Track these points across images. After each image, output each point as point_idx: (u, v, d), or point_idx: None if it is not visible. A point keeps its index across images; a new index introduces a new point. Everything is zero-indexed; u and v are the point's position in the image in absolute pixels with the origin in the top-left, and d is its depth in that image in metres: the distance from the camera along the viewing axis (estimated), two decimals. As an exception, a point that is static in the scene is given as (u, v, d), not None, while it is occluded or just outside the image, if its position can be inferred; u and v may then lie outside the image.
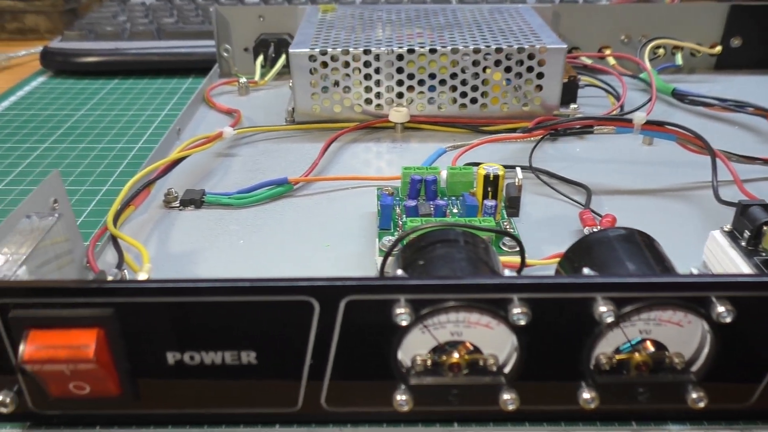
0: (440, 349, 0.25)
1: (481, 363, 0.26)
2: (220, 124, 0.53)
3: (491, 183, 0.35)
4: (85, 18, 0.75)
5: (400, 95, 0.51)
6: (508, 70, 0.50)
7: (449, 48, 0.49)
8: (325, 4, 0.61)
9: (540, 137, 0.44)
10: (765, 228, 0.32)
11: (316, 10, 0.60)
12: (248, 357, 0.25)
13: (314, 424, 0.27)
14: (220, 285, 0.23)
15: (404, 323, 0.23)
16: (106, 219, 0.36)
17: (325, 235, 0.38)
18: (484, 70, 0.50)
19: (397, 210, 0.37)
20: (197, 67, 0.67)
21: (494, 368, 0.25)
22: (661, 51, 0.62)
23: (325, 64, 0.50)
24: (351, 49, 0.49)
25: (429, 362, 0.25)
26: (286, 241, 0.38)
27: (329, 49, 0.49)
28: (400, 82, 0.50)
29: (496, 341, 0.25)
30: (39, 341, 0.23)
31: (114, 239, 0.34)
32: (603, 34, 0.63)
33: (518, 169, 0.35)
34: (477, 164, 0.44)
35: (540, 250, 0.36)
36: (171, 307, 0.23)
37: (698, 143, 0.42)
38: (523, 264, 0.29)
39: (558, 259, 0.33)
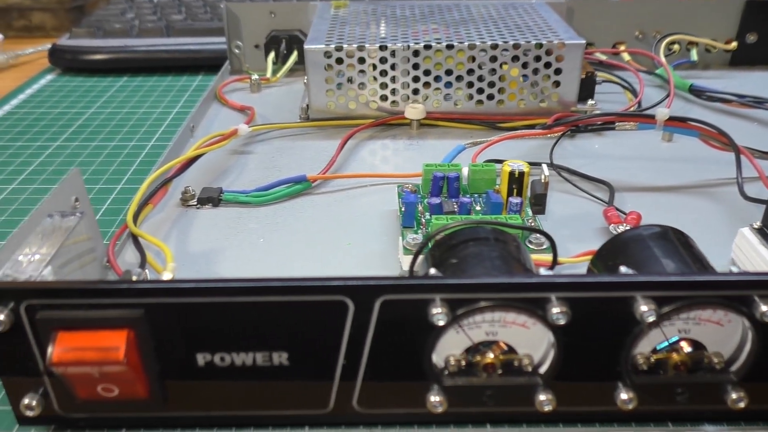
0: (474, 349, 0.25)
1: (516, 363, 0.25)
2: (233, 121, 0.53)
3: (516, 180, 0.35)
4: (93, 15, 0.74)
5: (415, 91, 0.50)
6: (525, 66, 0.49)
7: (466, 44, 0.48)
8: (337, 0, 0.61)
9: (560, 134, 0.44)
10: (797, 225, 0.31)
11: (328, 6, 0.60)
12: (280, 358, 0.24)
13: (344, 426, 0.26)
14: (254, 285, 0.23)
15: (441, 323, 0.23)
16: (126, 218, 0.35)
17: (345, 234, 0.38)
18: (501, 66, 0.49)
19: (419, 207, 0.37)
20: (207, 64, 0.67)
21: (529, 368, 0.25)
22: (676, 47, 0.61)
23: (340, 61, 0.49)
24: (366, 45, 0.49)
25: (463, 363, 0.25)
26: (306, 240, 0.37)
27: (344, 45, 0.49)
28: (415, 79, 0.50)
29: (531, 341, 0.25)
30: (68, 343, 0.23)
31: (135, 238, 0.33)
32: (617, 29, 0.62)
33: (544, 166, 0.34)
34: (497, 161, 0.44)
35: (565, 248, 0.36)
36: (203, 307, 0.23)
37: (722, 139, 0.41)
38: (555, 262, 0.28)
39: (587, 257, 0.32)
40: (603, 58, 0.60)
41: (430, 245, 0.28)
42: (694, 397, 0.25)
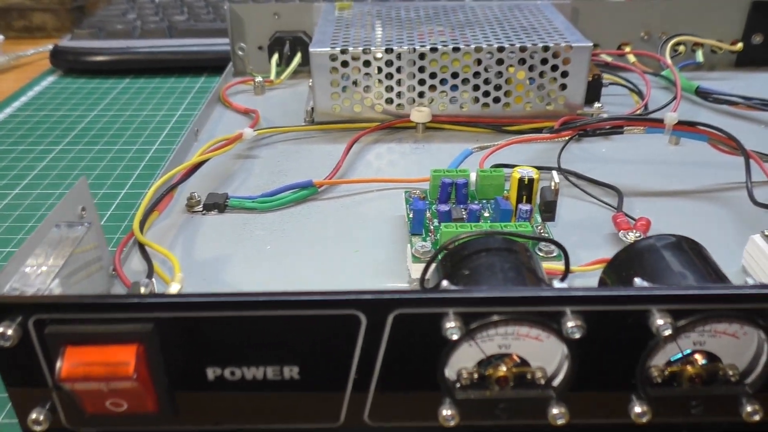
0: (486, 362, 0.25)
1: (528, 376, 0.25)
2: (237, 124, 0.52)
3: (526, 187, 0.34)
4: (95, 16, 0.74)
5: (421, 95, 0.50)
6: (531, 68, 0.49)
7: (472, 46, 0.48)
8: (341, 2, 0.60)
9: (568, 138, 0.43)
10: (810, 233, 0.31)
11: (333, 8, 0.59)
12: (291, 372, 0.24)
13: (355, 439, 0.26)
14: (264, 299, 0.22)
15: (455, 337, 0.23)
16: (132, 226, 0.35)
17: (353, 240, 0.37)
18: (507, 68, 0.49)
19: (428, 214, 0.37)
20: (210, 65, 0.66)
21: (542, 381, 0.25)
22: (681, 48, 0.61)
23: (345, 63, 0.49)
24: (372, 48, 0.48)
25: (475, 376, 0.25)
26: (313, 247, 0.37)
27: (350, 48, 0.48)
28: (421, 82, 0.49)
29: (544, 354, 0.24)
30: (77, 358, 0.22)
31: (142, 247, 0.33)
32: (622, 30, 0.62)
33: (554, 173, 0.34)
34: (505, 166, 0.44)
35: (575, 255, 0.35)
36: (212, 321, 0.23)
37: (730, 144, 0.41)
38: (567, 271, 0.28)
39: (598, 266, 0.32)
40: (609, 59, 0.59)
41: (440, 256, 0.28)
42: (709, 409, 0.25)
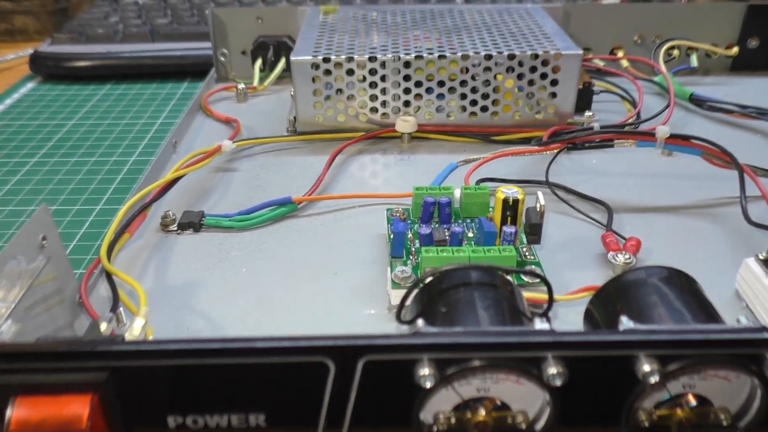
0: (464, 406, 0.23)
1: (509, 420, 0.23)
2: (218, 134, 0.51)
3: (510, 208, 0.33)
4: (76, 19, 0.72)
5: (406, 103, 0.48)
6: (520, 77, 0.47)
7: (459, 54, 0.47)
8: (326, 6, 0.59)
9: (557, 151, 0.42)
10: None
11: (317, 12, 0.58)
12: (257, 419, 0.23)
13: (328, 484, 0.25)
14: (227, 346, 0.21)
15: (428, 385, 0.21)
16: (99, 251, 0.33)
17: (332, 261, 0.36)
18: (495, 76, 0.47)
19: (409, 234, 0.35)
20: (193, 70, 0.65)
21: (524, 426, 0.23)
22: (675, 52, 0.59)
23: (328, 72, 0.47)
24: (355, 56, 0.47)
25: (453, 420, 0.23)
26: (291, 269, 0.35)
27: (332, 56, 0.47)
28: (406, 90, 0.48)
29: (526, 397, 0.23)
30: (27, 409, 0.21)
31: (109, 276, 0.32)
32: (615, 34, 0.60)
33: (540, 194, 0.33)
34: (491, 180, 0.42)
35: (562, 277, 0.34)
36: (173, 370, 0.21)
37: (724, 158, 0.40)
38: (550, 305, 0.27)
39: (584, 294, 0.31)
40: (601, 65, 0.58)
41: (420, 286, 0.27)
42: (700, 454, 0.24)
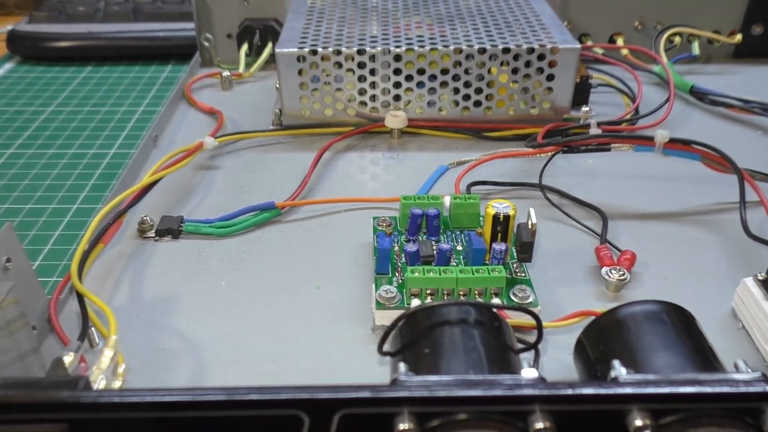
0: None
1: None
2: (201, 126, 0.49)
3: (501, 224, 0.31)
4: (55, -5, 0.69)
5: (397, 98, 0.46)
6: (515, 71, 0.45)
7: (452, 48, 0.45)
8: (314, -12, 0.56)
9: (551, 155, 0.40)
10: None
11: (305, -4, 0.55)
12: (227, 470, 0.21)
13: None
14: (196, 399, 0.20)
15: (408, 439, 0.20)
16: (71, 264, 0.32)
17: (315, 273, 0.35)
18: (489, 70, 0.46)
19: (395, 247, 0.34)
20: (178, 53, 0.62)
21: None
22: (677, 39, 0.57)
23: (315, 65, 0.45)
24: (344, 49, 0.45)
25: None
26: (271, 282, 0.34)
27: (320, 49, 0.45)
28: (397, 84, 0.46)
29: (511, 443, 0.22)
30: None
31: (79, 297, 0.30)
32: (615, 19, 0.58)
33: (532, 211, 0.31)
34: (483, 183, 0.41)
35: (553, 293, 0.33)
36: (135, 422, 0.20)
37: (725, 164, 0.38)
38: (540, 337, 0.25)
39: (576, 320, 0.29)
40: (600, 53, 0.56)
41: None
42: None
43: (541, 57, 0.45)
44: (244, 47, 0.57)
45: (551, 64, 0.45)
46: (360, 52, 0.45)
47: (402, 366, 0.22)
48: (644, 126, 0.47)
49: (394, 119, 0.46)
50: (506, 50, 0.45)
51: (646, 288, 0.34)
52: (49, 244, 0.38)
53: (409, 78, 0.46)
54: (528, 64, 0.45)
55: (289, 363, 0.29)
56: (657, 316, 0.24)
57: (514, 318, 0.30)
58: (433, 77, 0.46)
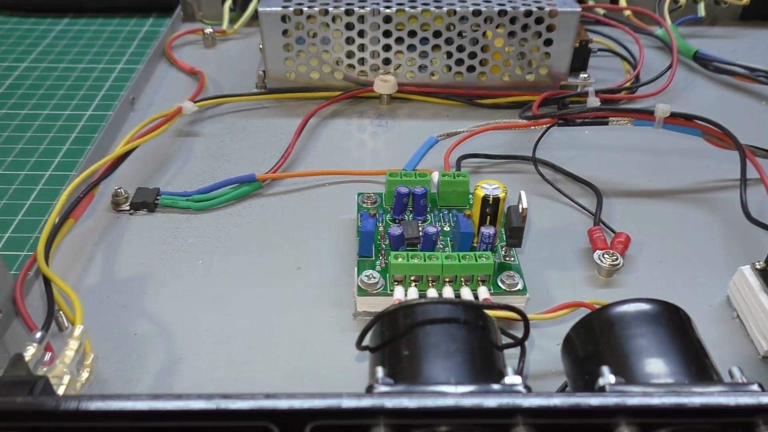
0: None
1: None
2: (181, 87, 0.47)
3: (490, 206, 0.30)
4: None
5: (386, 61, 0.44)
6: (511, 35, 0.43)
7: (445, 9, 0.42)
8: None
9: (546, 127, 0.38)
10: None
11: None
12: (195, 478, 0.20)
13: None
14: (160, 408, 0.19)
15: (383, 452, 0.19)
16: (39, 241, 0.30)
17: (296, 252, 0.33)
18: (484, 34, 0.43)
19: (380, 227, 0.32)
20: (159, 5, 0.59)
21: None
22: (682, 1, 0.55)
23: (300, 25, 0.43)
24: (331, 8, 0.42)
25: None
26: (251, 262, 0.33)
27: (305, 8, 0.42)
28: (387, 47, 0.44)
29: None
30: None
31: (46, 282, 0.29)
32: (618, -23, 0.55)
33: (523, 195, 0.29)
34: (474, 156, 0.39)
35: (543, 278, 0.32)
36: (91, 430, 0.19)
37: (727, 140, 0.36)
38: (526, 334, 0.24)
39: (564, 312, 0.28)
40: (601, 14, 0.53)
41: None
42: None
43: (539, 20, 0.42)
44: (228, 1, 0.54)
45: (549, 28, 0.43)
46: (348, 12, 0.42)
47: (380, 371, 0.21)
48: (644, 95, 0.45)
49: (384, 84, 0.44)
50: (502, 13, 0.42)
51: (639, 273, 0.32)
52: (20, 214, 0.37)
53: (399, 41, 0.43)
54: (525, 27, 0.43)
55: (265, 351, 0.28)
56: (650, 318, 0.23)
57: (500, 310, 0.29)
58: (424, 40, 0.43)
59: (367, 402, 0.19)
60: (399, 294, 0.28)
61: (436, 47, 0.44)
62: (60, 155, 0.42)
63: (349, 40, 0.43)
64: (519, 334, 0.24)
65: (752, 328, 0.29)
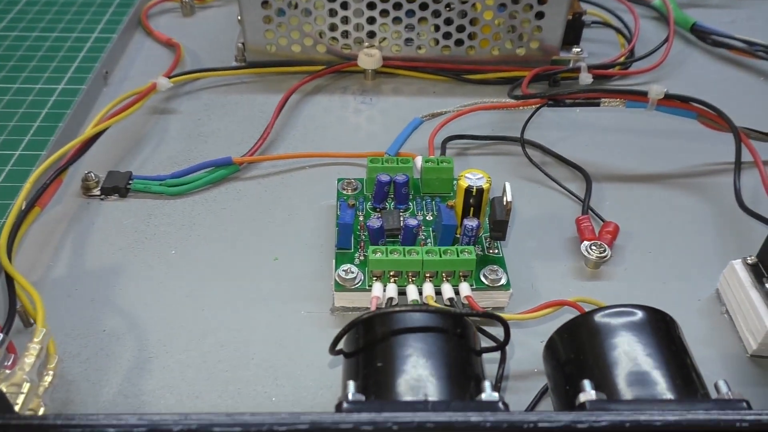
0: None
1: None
2: (157, 60, 0.45)
3: (474, 197, 0.29)
4: None
5: (371, 34, 0.42)
6: (502, 6, 0.41)
7: (432, -20, 0.40)
8: None
9: (536, 108, 0.37)
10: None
11: None
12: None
13: None
14: (115, 423, 0.18)
15: (352, 474, 0.18)
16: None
17: (274, 240, 0.32)
18: (473, 6, 0.41)
19: (360, 216, 0.31)
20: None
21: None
22: (681, -33, 0.52)
23: (280, -4, 0.41)
24: (312, -22, 0.40)
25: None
26: (225, 252, 0.31)
27: (285, -22, 0.40)
28: (371, 20, 0.42)
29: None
30: None
31: (8, 279, 0.27)
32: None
33: (508, 186, 0.28)
34: (460, 137, 0.38)
35: (528, 269, 0.31)
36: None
37: (723, 123, 0.35)
38: (507, 339, 0.23)
39: (547, 311, 0.27)
40: (596, -18, 0.51)
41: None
42: None
43: (530, -8, 0.41)
44: (207, -33, 0.51)
45: (541, 1, 0.41)
46: (330, -17, 0.40)
47: (351, 386, 0.20)
48: (639, 71, 0.44)
49: (368, 59, 0.42)
50: (492, -16, 0.40)
51: (627, 264, 0.31)
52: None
53: (384, 13, 0.41)
54: (516, 0, 0.41)
55: (239, 349, 0.27)
56: (636, 327, 0.22)
57: (484, 301, 0.28)
58: (411, 12, 0.41)
59: (335, 423, 0.18)
60: (377, 291, 0.27)
61: (422, 20, 0.42)
62: (30, 133, 0.40)
63: (332, 12, 0.41)
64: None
65: (741, 326, 0.28)
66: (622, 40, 0.47)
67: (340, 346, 0.23)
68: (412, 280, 0.28)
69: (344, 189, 0.33)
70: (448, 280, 0.28)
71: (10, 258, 0.28)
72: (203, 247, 0.32)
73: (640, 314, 0.22)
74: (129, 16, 0.47)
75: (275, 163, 0.36)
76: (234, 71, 0.43)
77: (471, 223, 0.28)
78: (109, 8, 0.53)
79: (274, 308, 0.29)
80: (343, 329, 0.22)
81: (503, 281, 0.28)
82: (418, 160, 0.33)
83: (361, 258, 0.29)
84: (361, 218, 0.31)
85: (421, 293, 0.28)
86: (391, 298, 0.27)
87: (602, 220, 0.33)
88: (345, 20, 0.42)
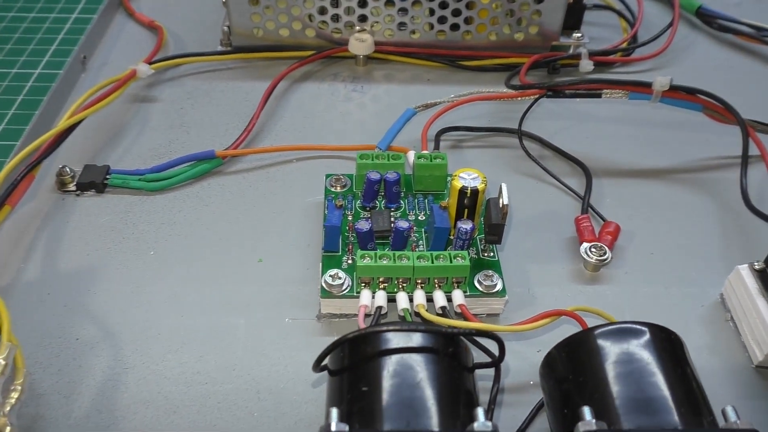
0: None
1: None
2: (138, 43, 0.43)
3: (469, 198, 0.27)
4: None
5: (363, 18, 0.40)
6: (500, -10, 0.39)
7: (426, -39, 0.38)
8: None
9: (534, 98, 0.35)
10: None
11: None
12: None
13: None
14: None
15: None
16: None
17: (258, 240, 0.30)
18: (469, -11, 0.39)
19: (349, 216, 0.30)
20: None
21: None
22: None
23: (266, -23, 0.39)
24: (300, -41, 0.38)
25: None
26: (207, 253, 0.30)
27: (271, -42, 0.38)
28: (363, 3, 0.40)
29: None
30: None
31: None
32: None
33: (504, 188, 0.27)
34: (455, 129, 0.36)
35: (525, 274, 0.29)
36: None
37: (729, 116, 0.34)
38: (502, 356, 0.22)
39: (543, 322, 0.26)
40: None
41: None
42: None
43: (530, -25, 0.39)
44: (192, -57, 0.49)
45: (541, -16, 0.39)
46: (319, -36, 0.38)
47: (334, 414, 0.19)
48: (642, 57, 0.42)
49: (360, 44, 0.40)
50: (490, -34, 0.38)
51: (628, 267, 0.30)
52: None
53: (376, -5, 0.39)
54: (515, -18, 0.39)
55: (220, 359, 0.26)
56: (640, 348, 0.20)
57: (478, 308, 0.26)
58: (404, -5, 0.39)
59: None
60: (366, 299, 0.26)
61: (416, 3, 0.40)
62: (5, 121, 0.38)
63: (321, -5, 0.39)
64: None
65: (746, 335, 0.27)
66: (625, 24, 0.45)
67: (326, 361, 0.22)
68: (403, 287, 0.26)
69: (332, 186, 0.31)
70: (440, 287, 0.26)
71: (-24, 262, 0.26)
72: (184, 247, 0.30)
73: (644, 333, 0.21)
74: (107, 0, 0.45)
75: (261, 156, 0.35)
76: (219, 56, 0.41)
77: (465, 226, 0.27)
78: (89, -13, 0.51)
79: (257, 314, 0.27)
80: (326, 349, 0.21)
81: (498, 287, 0.27)
82: (411, 155, 0.32)
83: (350, 261, 0.28)
84: (350, 218, 0.30)
85: (411, 300, 0.26)
86: (380, 307, 0.26)
87: (602, 219, 0.31)
88: (335, 3, 0.40)
